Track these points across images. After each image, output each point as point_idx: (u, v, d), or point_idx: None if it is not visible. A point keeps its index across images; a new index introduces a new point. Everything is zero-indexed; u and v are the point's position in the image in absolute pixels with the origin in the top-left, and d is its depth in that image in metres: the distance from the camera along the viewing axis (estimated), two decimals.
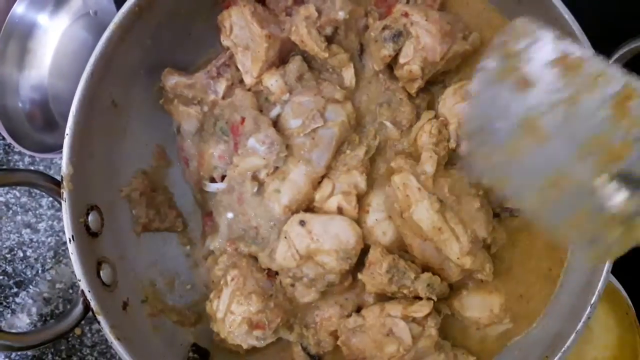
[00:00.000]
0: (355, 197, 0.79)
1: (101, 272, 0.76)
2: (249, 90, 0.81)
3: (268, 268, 0.81)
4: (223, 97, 0.82)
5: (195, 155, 0.85)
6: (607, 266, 0.75)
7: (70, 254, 0.73)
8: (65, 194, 0.73)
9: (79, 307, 0.74)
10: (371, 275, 0.76)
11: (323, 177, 0.80)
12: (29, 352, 0.95)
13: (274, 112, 0.81)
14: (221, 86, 0.82)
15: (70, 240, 0.73)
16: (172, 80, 0.83)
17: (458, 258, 0.75)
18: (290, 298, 0.81)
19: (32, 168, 0.99)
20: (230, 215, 0.83)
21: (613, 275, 0.90)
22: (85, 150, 0.75)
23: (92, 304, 0.73)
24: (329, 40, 0.80)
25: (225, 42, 0.81)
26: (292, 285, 0.80)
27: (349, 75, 0.82)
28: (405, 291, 0.77)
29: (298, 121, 0.78)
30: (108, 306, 0.74)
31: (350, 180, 0.79)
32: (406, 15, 0.77)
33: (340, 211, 0.78)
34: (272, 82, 0.80)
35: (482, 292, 0.82)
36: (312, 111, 0.78)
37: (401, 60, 0.78)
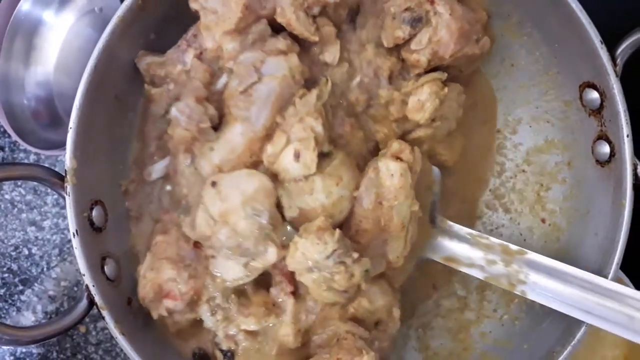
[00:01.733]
0: (314, 141, 0.71)
1: (105, 267, 0.76)
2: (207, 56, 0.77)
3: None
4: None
5: (154, 138, 0.82)
6: (617, 261, 0.74)
7: (75, 248, 0.73)
8: (69, 188, 0.73)
9: (84, 302, 0.73)
10: (315, 240, 0.68)
11: (264, 139, 0.73)
12: (34, 350, 0.95)
13: (221, 81, 0.76)
14: (189, 56, 0.78)
15: (74, 235, 0.73)
16: (145, 61, 0.80)
17: (397, 257, 0.74)
18: (213, 275, 0.75)
19: None
20: (168, 187, 0.80)
21: (622, 271, 0.89)
22: (89, 145, 0.75)
23: (97, 298, 0.72)
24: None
25: (193, 5, 0.76)
26: (213, 257, 0.74)
27: (333, 51, 0.77)
28: (341, 269, 0.69)
29: (236, 80, 0.73)
30: (112, 301, 0.74)
31: (305, 126, 0.71)
32: (432, 2, 0.75)
33: (297, 157, 0.71)
34: (230, 46, 0.75)
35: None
36: (248, 67, 0.73)
37: (412, 46, 0.76)
